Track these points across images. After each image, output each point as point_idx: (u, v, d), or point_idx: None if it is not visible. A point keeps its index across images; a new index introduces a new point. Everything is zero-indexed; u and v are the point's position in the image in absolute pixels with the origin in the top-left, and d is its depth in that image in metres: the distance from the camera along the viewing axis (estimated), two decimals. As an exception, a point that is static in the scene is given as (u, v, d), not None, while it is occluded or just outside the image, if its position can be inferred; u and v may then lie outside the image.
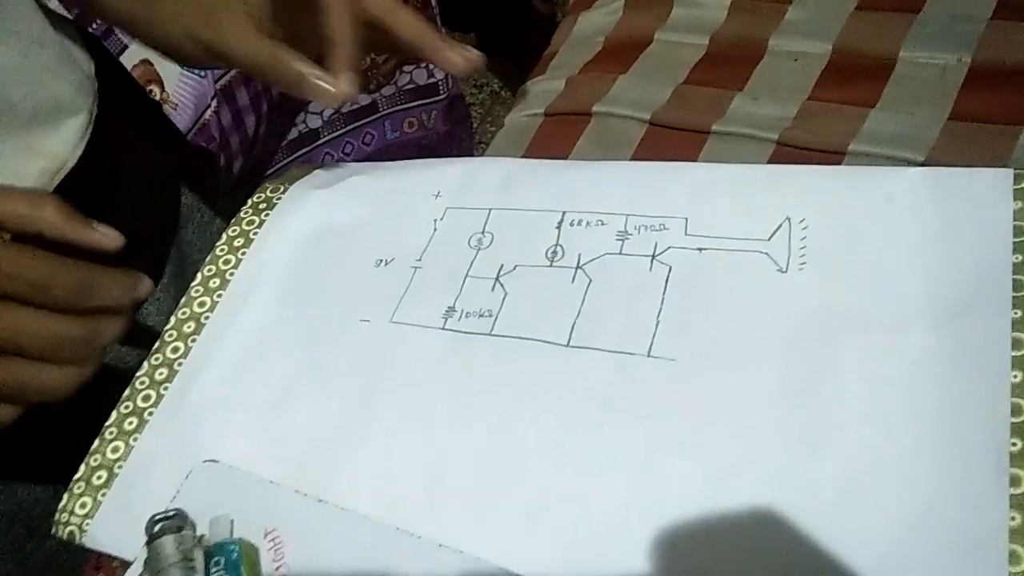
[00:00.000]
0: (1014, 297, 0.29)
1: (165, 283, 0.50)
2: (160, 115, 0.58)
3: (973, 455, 0.26)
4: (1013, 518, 0.25)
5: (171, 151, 0.55)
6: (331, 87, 0.35)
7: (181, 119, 1.03)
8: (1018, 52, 0.44)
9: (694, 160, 0.46)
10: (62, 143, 0.42)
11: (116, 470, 0.36)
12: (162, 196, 0.52)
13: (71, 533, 0.34)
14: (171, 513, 0.27)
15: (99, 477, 0.36)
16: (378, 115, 1.35)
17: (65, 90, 0.42)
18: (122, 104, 0.49)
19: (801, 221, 0.35)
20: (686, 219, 0.36)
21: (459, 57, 0.36)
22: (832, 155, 0.43)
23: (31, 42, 0.40)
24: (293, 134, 1.30)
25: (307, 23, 0.36)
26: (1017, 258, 0.30)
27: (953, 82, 0.44)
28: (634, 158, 0.48)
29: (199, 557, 0.26)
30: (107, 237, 0.32)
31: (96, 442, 0.37)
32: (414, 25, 0.37)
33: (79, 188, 0.42)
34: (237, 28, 0.36)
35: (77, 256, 0.31)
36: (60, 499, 0.35)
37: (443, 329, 0.36)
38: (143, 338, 0.42)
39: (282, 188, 0.45)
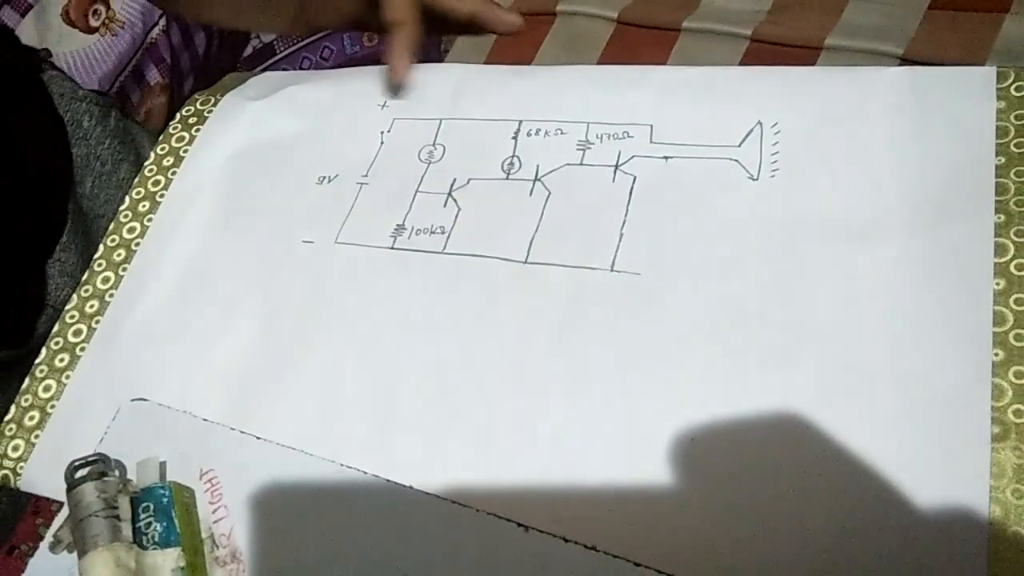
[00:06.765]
0: (997, 201, 0.28)
1: (65, 241, 0.46)
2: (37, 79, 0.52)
3: (955, 365, 0.25)
4: (995, 429, 0.24)
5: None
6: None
7: (127, 38, 0.97)
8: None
9: (664, 61, 0.44)
10: None
11: (49, 410, 0.34)
12: (51, 147, 0.47)
13: (5, 477, 0.33)
14: (92, 458, 0.25)
15: (31, 418, 0.34)
16: (336, 27, 1.28)
17: None
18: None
19: (773, 125, 0.32)
20: (651, 126, 0.34)
21: (511, 20, 0.38)
22: (808, 50, 0.41)
23: None
24: (247, 51, 1.23)
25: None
26: (1000, 160, 0.28)
27: (934, -31, 0.42)
28: (601, 59, 0.46)
29: (124, 503, 0.24)
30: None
31: (27, 381, 0.35)
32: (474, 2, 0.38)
33: None
34: None
35: None
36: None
37: (392, 248, 0.34)
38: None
39: (213, 100, 0.41)
